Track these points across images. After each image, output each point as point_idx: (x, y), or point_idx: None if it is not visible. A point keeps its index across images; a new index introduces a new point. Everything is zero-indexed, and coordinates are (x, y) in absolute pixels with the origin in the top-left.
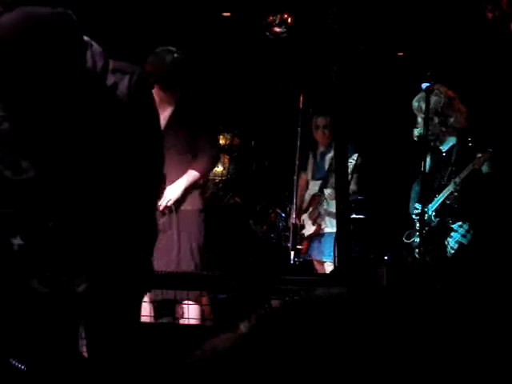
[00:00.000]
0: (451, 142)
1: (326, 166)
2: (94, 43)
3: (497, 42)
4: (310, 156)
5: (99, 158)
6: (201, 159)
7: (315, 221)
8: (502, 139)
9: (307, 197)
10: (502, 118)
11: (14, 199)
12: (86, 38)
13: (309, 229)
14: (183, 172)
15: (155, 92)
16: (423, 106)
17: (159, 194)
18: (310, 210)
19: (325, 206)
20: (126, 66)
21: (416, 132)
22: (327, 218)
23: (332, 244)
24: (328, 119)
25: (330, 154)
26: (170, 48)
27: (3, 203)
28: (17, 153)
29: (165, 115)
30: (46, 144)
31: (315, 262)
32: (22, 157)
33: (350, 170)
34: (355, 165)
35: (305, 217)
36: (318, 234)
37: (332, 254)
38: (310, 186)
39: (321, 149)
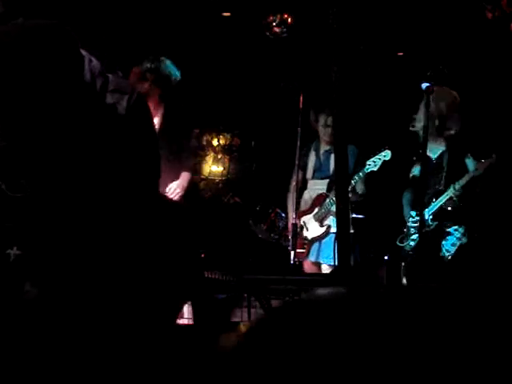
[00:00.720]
0: (441, 148)
1: (332, 165)
2: (93, 59)
3: (497, 41)
4: (312, 154)
5: (96, 176)
6: (185, 160)
7: (322, 222)
8: (500, 142)
9: (307, 196)
10: (502, 118)
11: (11, 213)
12: (84, 52)
13: (313, 231)
14: (171, 176)
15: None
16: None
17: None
18: (316, 210)
19: (330, 207)
20: (125, 86)
21: (417, 124)
22: (332, 218)
23: (331, 246)
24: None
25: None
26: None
27: (1, 217)
28: (14, 170)
29: (155, 119)
30: (43, 161)
31: (309, 264)
32: (20, 174)
33: (377, 167)
34: (384, 161)
35: (307, 218)
36: (320, 236)
37: (329, 256)
38: (310, 186)
39: (325, 147)
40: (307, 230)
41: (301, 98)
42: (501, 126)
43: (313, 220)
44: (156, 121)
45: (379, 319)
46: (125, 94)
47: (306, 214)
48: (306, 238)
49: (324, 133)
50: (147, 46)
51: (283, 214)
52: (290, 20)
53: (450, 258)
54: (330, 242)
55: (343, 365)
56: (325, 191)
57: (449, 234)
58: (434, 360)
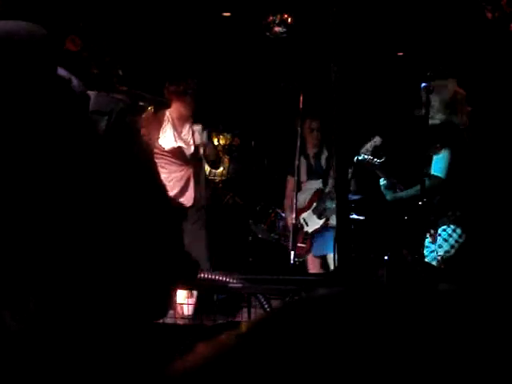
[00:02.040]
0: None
1: (323, 165)
2: (74, 78)
3: (497, 42)
4: (301, 158)
5: (73, 203)
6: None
7: (320, 215)
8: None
9: (302, 197)
10: (502, 117)
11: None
12: (64, 72)
13: (313, 225)
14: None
15: (176, 108)
16: (432, 97)
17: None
18: (314, 205)
19: (328, 203)
20: (105, 105)
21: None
22: (330, 211)
23: (328, 239)
24: (319, 122)
25: (324, 155)
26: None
27: None
28: None
29: (186, 127)
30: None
31: (311, 259)
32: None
33: (370, 153)
34: (375, 147)
35: (306, 215)
36: (322, 230)
37: (329, 246)
38: (306, 187)
39: (314, 150)
40: (307, 225)
41: (301, 98)
42: (500, 126)
43: (311, 214)
44: (186, 130)
45: (379, 319)
46: (104, 114)
47: (304, 211)
48: (306, 233)
49: (311, 137)
50: (147, 46)
51: (283, 214)
52: (290, 20)
53: (441, 257)
54: (324, 234)
55: (343, 365)
56: (319, 188)
57: (447, 235)
58: (433, 360)
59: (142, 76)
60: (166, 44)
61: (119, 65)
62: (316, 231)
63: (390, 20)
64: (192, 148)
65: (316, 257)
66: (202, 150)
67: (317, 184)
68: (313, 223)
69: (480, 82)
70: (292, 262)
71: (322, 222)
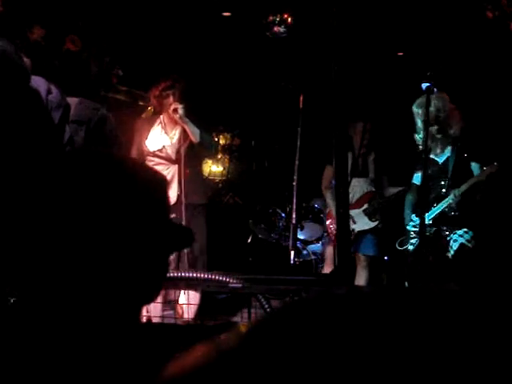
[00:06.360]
0: (447, 153)
1: (369, 166)
2: (53, 88)
3: (497, 41)
4: (349, 154)
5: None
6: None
7: (371, 217)
8: (502, 145)
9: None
10: (502, 118)
11: None
12: (42, 83)
13: (362, 225)
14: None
15: (164, 110)
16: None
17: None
18: (365, 206)
19: (379, 203)
20: (83, 114)
21: (417, 137)
22: (379, 215)
23: (372, 239)
24: (370, 124)
25: (372, 157)
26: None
27: None
28: None
29: (177, 131)
30: None
31: (357, 256)
32: None
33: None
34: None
35: (355, 212)
36: (367, 230)
37: (368, 247)
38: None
39: (362, 151)
40: (354, 223)
41: (301, 97)
42: (500, 128)
43: (362, 215)
44: (175, 130)
45: (380, 320)
46: (83, 123)
47: (353, 208)
48: (352, 230)
49: (360, 138)
50: (147, 46)
51: (283, 214)
52: (289, 20)
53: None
54: (368, 234)
55: (344, 366)
56: (370, 189)
57: (458, 236)
58: (433, 362)
59: (141, 76)
60: (166, 44)
61: (119, 65)
62: (364, 231)
63: (389, 20)
64: (176, 144)
65: (364, 255)
66: (183, 128)
67: (361, 182)
68: (362, 223)
69: (480, 81)
70: (292, 261)
71: (374, 224)
